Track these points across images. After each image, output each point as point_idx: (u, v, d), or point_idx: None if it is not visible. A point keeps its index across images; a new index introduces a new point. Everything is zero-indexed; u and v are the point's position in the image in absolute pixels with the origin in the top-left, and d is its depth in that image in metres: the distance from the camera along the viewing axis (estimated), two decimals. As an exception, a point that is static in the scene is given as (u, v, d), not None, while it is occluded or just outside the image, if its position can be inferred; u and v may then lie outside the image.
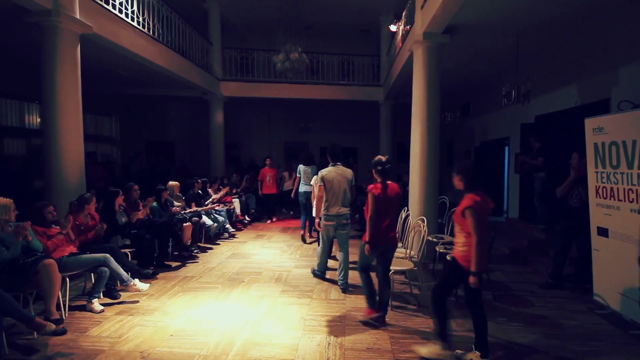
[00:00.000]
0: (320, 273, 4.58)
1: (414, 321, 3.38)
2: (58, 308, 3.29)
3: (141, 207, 4.94)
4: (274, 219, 8.73)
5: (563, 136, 5.73)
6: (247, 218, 8.31)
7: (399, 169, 11.22)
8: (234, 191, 8.42)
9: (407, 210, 5.26)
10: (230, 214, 7.47)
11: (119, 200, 4.61)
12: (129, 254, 4.53)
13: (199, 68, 8.67)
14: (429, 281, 4.45)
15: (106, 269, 3.60)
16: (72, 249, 3.68)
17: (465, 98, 10.18)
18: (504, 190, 8.87)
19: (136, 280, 3.81)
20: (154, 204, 5.32)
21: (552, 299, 3.93)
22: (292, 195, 7.02)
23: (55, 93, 4.41)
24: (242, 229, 7.69)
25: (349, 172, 4.26)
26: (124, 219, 4.59)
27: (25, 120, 8.52)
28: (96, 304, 3.53)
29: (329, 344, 2.93)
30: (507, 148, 8.36)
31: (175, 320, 3.34)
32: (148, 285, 3.94)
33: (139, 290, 3.79)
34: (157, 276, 4.55)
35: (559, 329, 3.24)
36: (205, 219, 6.26)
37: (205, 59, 9.31)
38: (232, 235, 6.91)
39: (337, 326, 3.25)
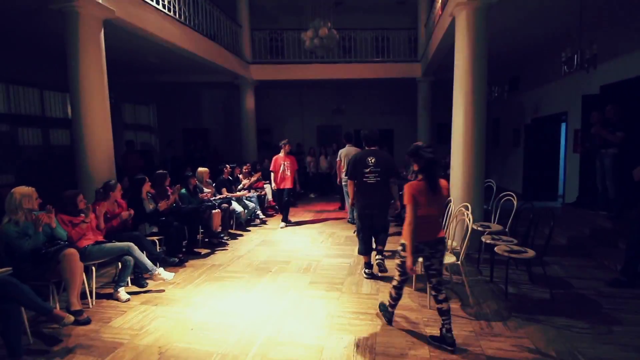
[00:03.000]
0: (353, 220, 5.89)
1: (456, 323, 2.90)
2: (84, 297, 3.28)
3: (170, 194, 4.88)
4: (284, 224, 6.44)
5: (638, 108, 4.88)
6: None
7: (439, 151, 10.51)
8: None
9: (449, 196, 4.76)
10: (261, 200, 7.34)
11: (146, 187, 4.56)
12: (157, 241, 4.51)
13: (228, 52, 8.46)
14: (474, 276, 3.98)
15: (130, 258, 3.54)
16: (98, 237, 3.64)
17: (514, 70, 9.19)
18: (559, 172, 7.98)
19: (160, 270, 3.72)
20: (183, 190, 5.26)
21: (625, 300, 3.33)
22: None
23: (79, 81, 4.36)
24: (274, 215, 7.54)
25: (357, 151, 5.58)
26: (151, 206, 4.54)
27: (67, 111, 8.88)
28: (122, 293, 3.49)
29: (358, 346, 2.62)
30: (564, 125, 7.43)
31: (198, 312, 3.20)
32: (172, 274, 3.84)
33: (164, 280, 3.70)
34: (186, 263, 4.49)
35: (638, 338, 2.69)
36: (235, 205, 6.15)
37: (235, 42, 9.10)
38: (263, 222, 6.78)
39: (368, 325, 2.93)
